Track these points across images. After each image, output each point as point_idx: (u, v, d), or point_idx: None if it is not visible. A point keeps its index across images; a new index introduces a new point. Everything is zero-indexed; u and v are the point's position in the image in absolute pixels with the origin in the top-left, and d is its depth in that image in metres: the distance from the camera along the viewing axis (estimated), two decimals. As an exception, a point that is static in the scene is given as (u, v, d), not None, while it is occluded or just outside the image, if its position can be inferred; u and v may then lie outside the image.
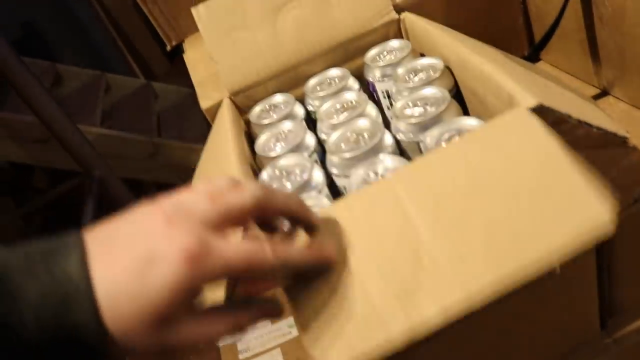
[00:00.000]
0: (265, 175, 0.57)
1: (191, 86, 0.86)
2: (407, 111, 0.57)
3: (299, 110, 0.67)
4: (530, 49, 0.84)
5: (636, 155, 0.51)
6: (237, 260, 0.34)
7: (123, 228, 0.35)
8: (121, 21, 2.52)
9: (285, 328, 0.69)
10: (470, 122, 0.52)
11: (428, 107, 0.56)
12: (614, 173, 0.53)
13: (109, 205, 1.95)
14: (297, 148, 0.59)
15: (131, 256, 0.32)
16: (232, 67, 0.69)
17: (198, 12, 0.70)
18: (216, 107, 0.70)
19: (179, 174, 2.16)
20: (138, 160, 2.04)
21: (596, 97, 0.76)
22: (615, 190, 0.40)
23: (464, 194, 0.42)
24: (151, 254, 0.32)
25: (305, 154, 0.59)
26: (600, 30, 0.68)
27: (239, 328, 0.37)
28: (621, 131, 0.49)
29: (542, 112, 0.46)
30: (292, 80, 0.70)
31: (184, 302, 0.33)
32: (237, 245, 0.34)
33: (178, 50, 0.96)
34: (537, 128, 0.43)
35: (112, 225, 0.35)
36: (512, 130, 0.44)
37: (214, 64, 0.71)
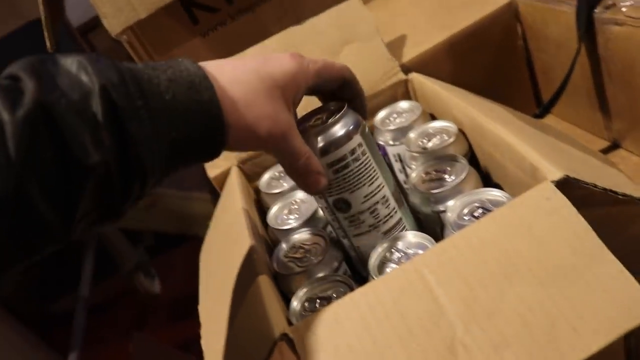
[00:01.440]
0: (279, 251, 0.55)
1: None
2: (425, 181, 0.55)
3: (310, 177, 0.65)
4: (536, 101, 0.83)
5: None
6: (319, 65, 0.48)
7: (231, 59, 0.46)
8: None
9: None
10: (492, 193, 0.50)
11: (446, 176, 0.54)
12: (633, 230, 0.52)
13: (108, 256, 1.93)
14: (311, 220, 0.58)
15: (248, 61, 0.44)
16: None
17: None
18: (224, 175, 0.69)
19: (177, 224, 2.13)
20: (136, 211, 2.02)
21: (607, 150, 0.75)
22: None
23: (495, 280, 0.40)
24: (267, 57, 0.45)
25: (320, 226, 0.57)
26: (609, 85, 0.68)
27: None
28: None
29: (568, 184, 0.45)
30: (301, 145, 0.69)
31: (292, 89, 0.45)
32: (317, 58, 0.48)
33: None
34: (566, 207, 0.42)
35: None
36: (540, 208, 0.43)
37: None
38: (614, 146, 0.75)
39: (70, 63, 0.36)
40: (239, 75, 0.43)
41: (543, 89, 0.82)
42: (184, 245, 2.16)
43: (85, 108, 0.35)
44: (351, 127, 0.49)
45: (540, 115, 0.72)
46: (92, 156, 0.34)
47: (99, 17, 0.83)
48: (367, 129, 0.51)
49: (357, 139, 0.49)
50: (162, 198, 2.07)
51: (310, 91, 0.50)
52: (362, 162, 0.49)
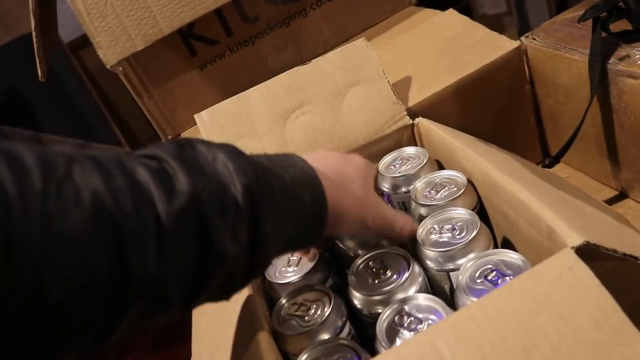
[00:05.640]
0: (280, 308, 0.52)
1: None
2: (433, 237, 0.53)
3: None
4: (541, 146, 0.82)
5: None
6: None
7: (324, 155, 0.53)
8: (106, 88, 2.50)
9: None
10: (507, 255, 0.48)
11: (456, 233, 0.52)
12: None
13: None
14: (312, 273, 0.55)
15: (335, 164, 0.51)
16: (238, 178, 0.65)
17: (201, 119, 0.67)
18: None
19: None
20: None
21: (614, 200, 0.73)
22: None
23: (514, 356, 0.38)
24: (347, 161, 0.53)
25: (322, 280, 0.55)
26: (621, 136, 0.66)
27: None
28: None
29: (588, 251, 0.43)
30: (301, 189, 0.66)
31: (370, 183, 0.54)
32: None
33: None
34: (589, 278, 0.40)
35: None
36: (561, 279, 0.40)
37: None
38: (622, 196, 0.73)
39: (207, 151, 0.37)
40: (340, 176, 0.49)
41: (549, 134, 0.80)
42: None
43: (224, 202, 0.35)
44: None
45: (549, 165, 0.70)
46: (228, 250, 0.35)
47: (94, 46, 0.80)
48: None
49: None
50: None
51: None
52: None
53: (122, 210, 0.30)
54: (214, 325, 0.57)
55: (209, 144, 0.38)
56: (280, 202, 0.40)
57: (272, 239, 0.39)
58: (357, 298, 0.52)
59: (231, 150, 0.38)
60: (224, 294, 0.39)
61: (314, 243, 0.47)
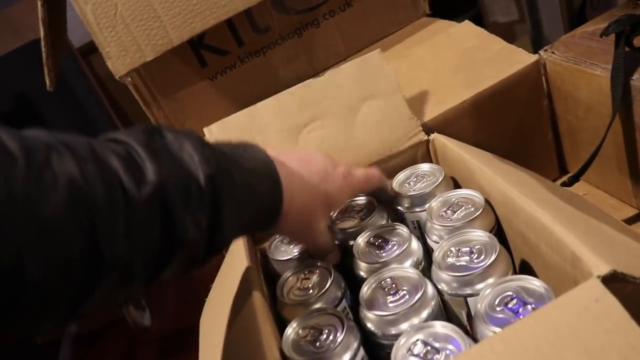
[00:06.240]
0: (290, 332, 0.51)
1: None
2: (450, 260, 0.51)
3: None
4: (558, 162, 0.80)
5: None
6: (362, 183, 0.58)
7: (297, 152, 0.57)
8: (115, 94, 2.50)
9: None
10: (529, 281, 0.46)
11: (474, 257, 0.50)
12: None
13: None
14: (326, 293, 0.53)
15: (313, 175, 0.53)
16: (248, 194, 0.63)
17: (211, 132, 0.65)
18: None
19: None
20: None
21: (635, 219, 0.71)
22: None
23: (540, 395, 0.36)
24: (326, 174, 0.54)
25: (335, 307, 0.53)
26: (644, 154, 0.64)
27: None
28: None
29: (616, 280, 0.41)
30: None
31: (336, 205, 0.59)
32: (360, 173, 0.59)
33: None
34: (617, 310, 0.38)
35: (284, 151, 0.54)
36: (588, 311, 0.38)
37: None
38: (643, 215, 0.71)
39: (174, 140, 0.40)
40: (302, 186, 0.51)
41: (567, 150, 0.78)
42: (177, 276, 2.10)
43: (189, 190, 0.38)
44: None
45: (569, 184, 0.68)
46: (190, 234, 0.38)
47: (103, 57, 0.79)
48: None
49: None
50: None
51: None
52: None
53: (94, 195, 0.32)
54: (219, 338, 0.56)
55: (176, 132, 0.41)
56: (240, 192, 0.43)
57: (230, 224, 0.42)
58: (369, 319, 0.50)
59: (197, 140, 0.41)
60: (184, 272, 0.41)
61: (270, 230, 0.50)
